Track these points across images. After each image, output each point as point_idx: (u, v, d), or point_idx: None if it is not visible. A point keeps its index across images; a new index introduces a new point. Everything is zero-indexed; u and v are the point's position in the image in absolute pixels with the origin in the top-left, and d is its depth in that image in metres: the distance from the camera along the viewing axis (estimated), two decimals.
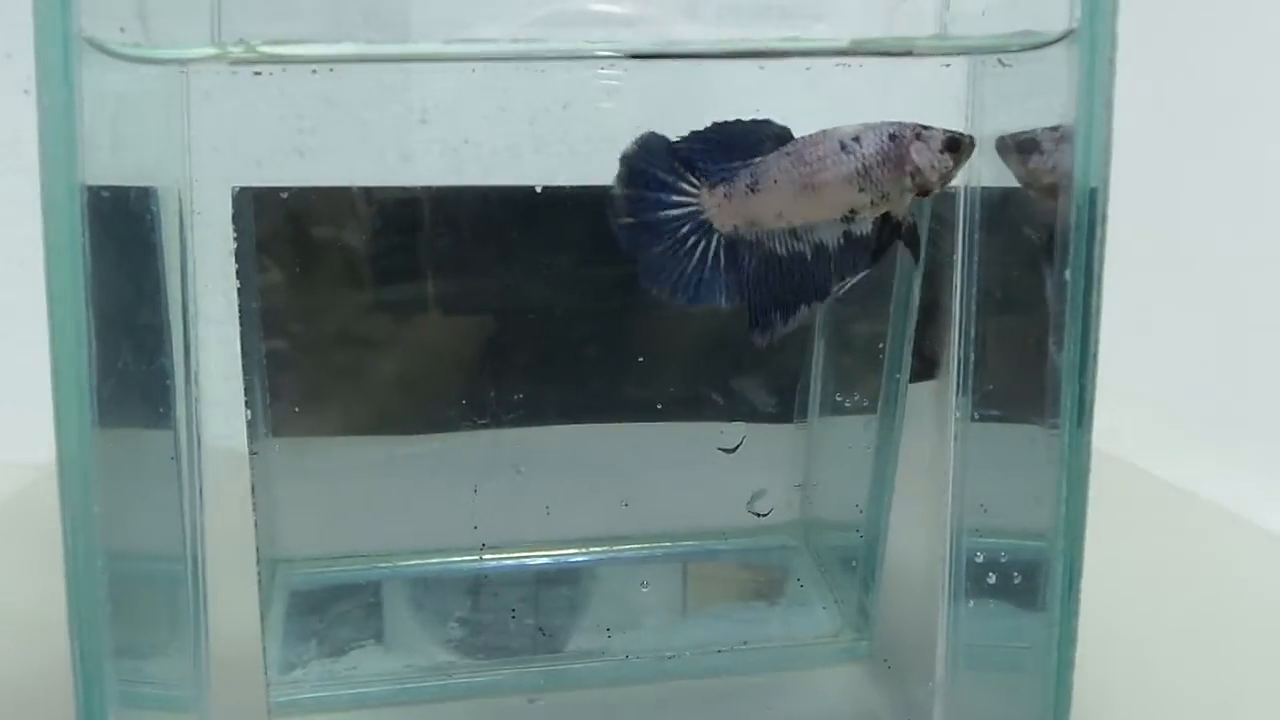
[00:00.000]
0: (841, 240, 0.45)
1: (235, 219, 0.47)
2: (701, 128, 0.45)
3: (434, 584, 0.58)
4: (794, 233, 0.45)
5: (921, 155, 0.44)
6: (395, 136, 0.50)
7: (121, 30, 0.40)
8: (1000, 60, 0.45)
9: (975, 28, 0.47)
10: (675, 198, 0.45)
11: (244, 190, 0.47)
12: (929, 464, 0.51)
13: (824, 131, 0.45)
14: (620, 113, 0.48)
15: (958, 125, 0.48)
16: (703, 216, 0.45)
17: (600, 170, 0.50)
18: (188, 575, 0.46)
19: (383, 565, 0.59)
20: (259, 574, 0.50)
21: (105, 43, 0.38)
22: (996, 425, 0.48)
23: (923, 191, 0.45)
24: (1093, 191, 0.41)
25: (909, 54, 0.47)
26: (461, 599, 0.57)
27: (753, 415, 0.57)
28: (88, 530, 0.38)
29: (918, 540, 0.52)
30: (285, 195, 0.49)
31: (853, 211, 0.45)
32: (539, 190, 0.50)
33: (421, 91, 0.49)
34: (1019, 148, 0.44)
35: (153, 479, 0.45)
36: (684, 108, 0.48)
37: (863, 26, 0.49)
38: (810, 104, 0.48)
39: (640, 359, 0.55)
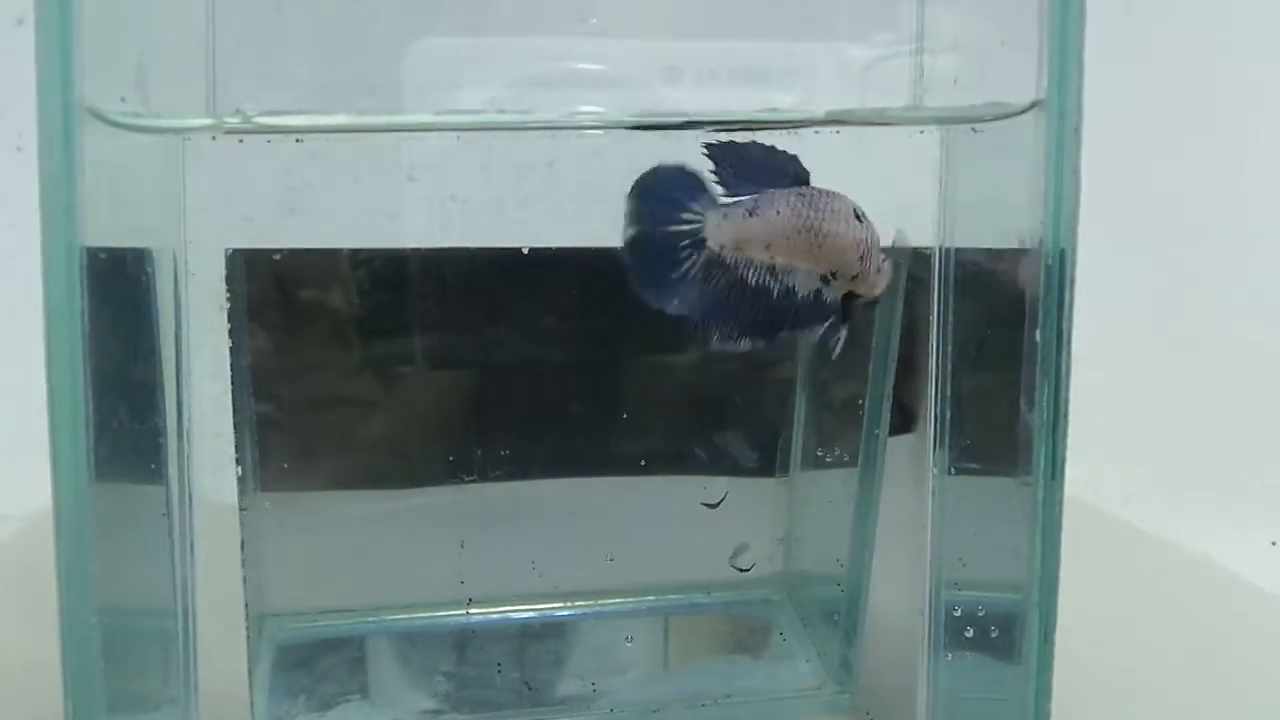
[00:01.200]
0: (810, 297, 0.46)
1: (228, 280, 0.48)
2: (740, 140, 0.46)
3: (421, 638, 0.59)
4: (772, 270, 0.46)
5: (889, 268, 0.46)
6: (383, 194, 0.51)
7: (122, 100, 0.41)
8: (973, 128, 0.47)
9: (947, 96, 0.48)
10: (682, 214, 0.46)
11: (237, 252, 0.48)
12: (908, 517, 0.52)
13: (834, 191, 0.46)
14: (605, 171, 0.49)
15: (932, 187, 0.49)
16: (701, 234, 0.46)
17: (585, 227, 0.51)
18: (178, 630, 0.47)
19: (370, 620, 0.59)
20: (248, 629, 0.51)
21: (105, 112, 0.40)
22: (974, 478, 0.49)
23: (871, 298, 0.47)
24: (1061, 253, 0.42)
25: (884, 124, 0.49)
26: (448, 653, 0.57)
27: (735, 470, 0.58)
28: (82, 586, 0.38)
29: (898, 593, 0.53)
30: (277, 257, 0.50)
31: (834, 274, 0.46)
32: (526, 251, 0.51)
33: (409, 150, 0.50)
34: None
35: (145, 534, 0.45)
36: None
37: (838, 88, 0.50)
38: None
39: (624, 415, 0.56)
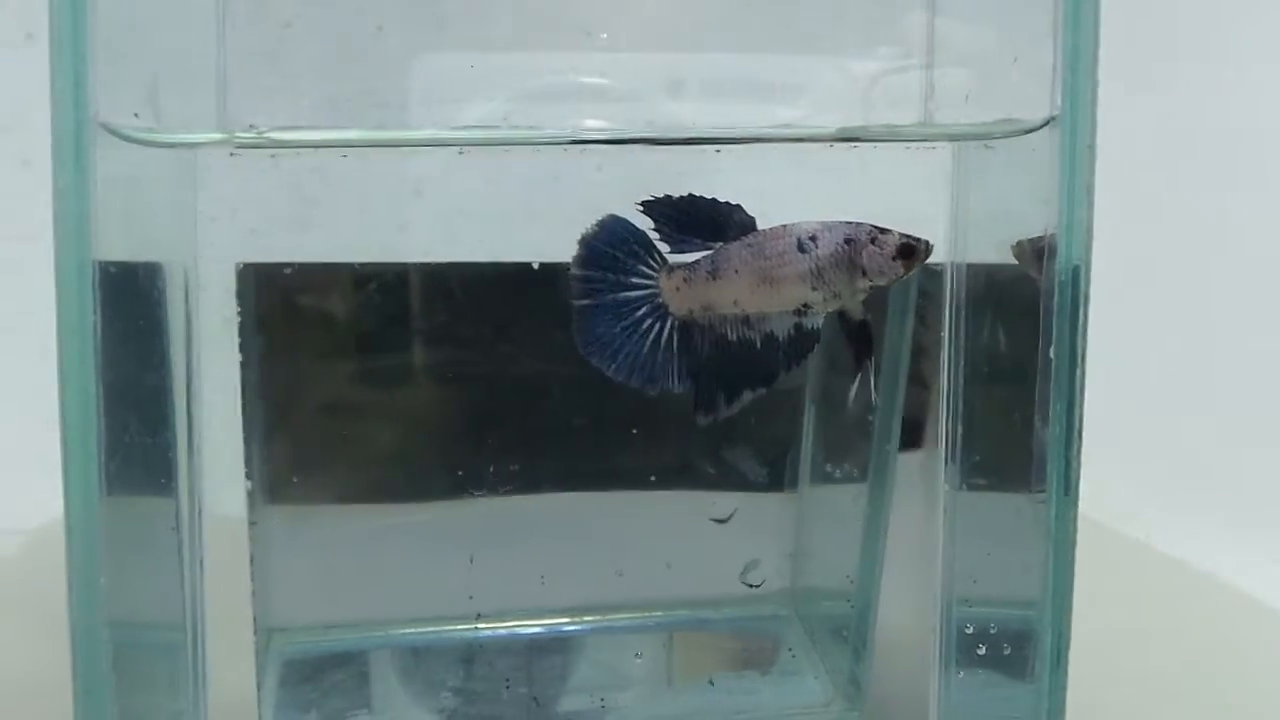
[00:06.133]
0: (792, 331, 0.46)
1: (238, 294, 0.48)
2: (676, 196, 0.46)
3: (428, 653, 0.58)
4: (747, 320, 0.46)
5: (873, 260, 0.45)
6: (391, 208, 0.51)
7: (135, 116, 0.41)
8: (984, 144, 0.47)
9: (959, 112, 0.48)
10: (633, 279, 0.46)
11: (248, 266, 0.48)
12: (919, 533, 0.52)
13: (784, 227, 0.46)
14: (611, 185, 0.50)
15: (943, 202, 0.49)
16: (659, 299, 0.46)
17: None
18: (187, 643, 0.46)
19: (378, 634, 0.59)
20: (256, 643, 0.51)
21: (119, 128, 0.40)
22: (985, 495, 0.49)
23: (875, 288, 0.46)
24: (1075, 270, 0.42)
25: (897, 141, 0.49)
26: (455, 668, 0.57)
27: (744, 485, 0.58)
28: (93, 599, 0.38)
29: (908, 610, 0.53)
30: (288, 271, 0.50)
31: (806, 306, 0.46)
32: (536, 266, 0.51)
33: (416, 164, 0.50)
34: (1036, 254, 0.45)
35: (155, 549, 0.45)
36: (673, 180, 0.50)
37: (844, 103, 0.50)
38: (796, 179, 0.50)
39: (634, 430, 0.56)
